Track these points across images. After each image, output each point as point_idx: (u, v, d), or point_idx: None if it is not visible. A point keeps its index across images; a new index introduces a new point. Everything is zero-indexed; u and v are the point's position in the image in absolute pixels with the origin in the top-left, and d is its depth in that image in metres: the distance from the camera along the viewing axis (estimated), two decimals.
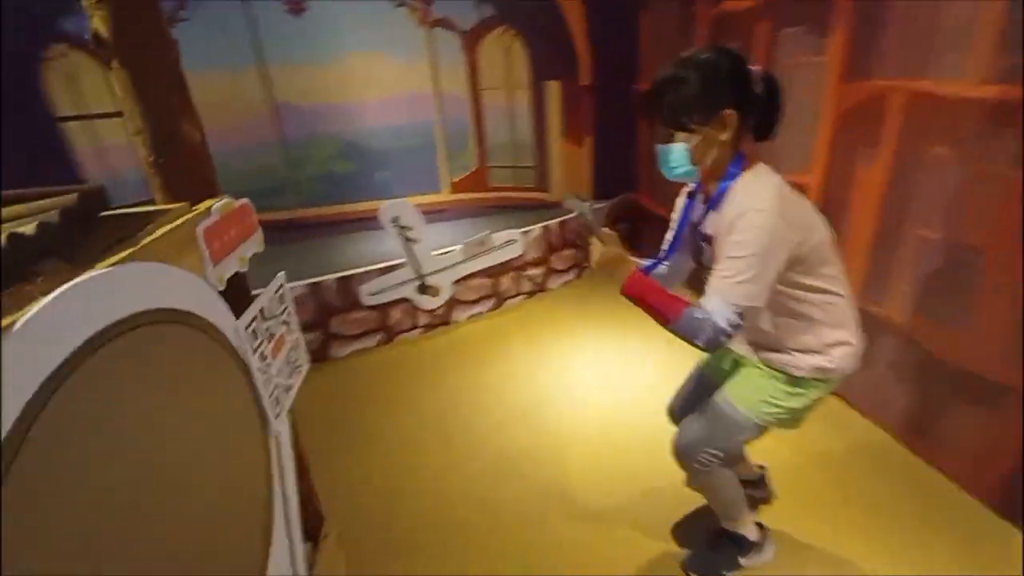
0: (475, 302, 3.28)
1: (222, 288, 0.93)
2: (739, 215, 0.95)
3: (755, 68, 1.00)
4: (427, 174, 3.62)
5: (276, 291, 1.15)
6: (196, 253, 0.86)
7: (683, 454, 1.28)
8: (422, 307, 3.07)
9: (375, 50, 3.27)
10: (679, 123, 1.00)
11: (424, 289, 3.03)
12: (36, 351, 0.51)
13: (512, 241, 3.21)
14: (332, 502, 1.60)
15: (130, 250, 0.70)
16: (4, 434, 0.45)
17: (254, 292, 1.10)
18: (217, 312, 0.88)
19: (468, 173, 3.76)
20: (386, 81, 3.36)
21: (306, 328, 2.78)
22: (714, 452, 1.22)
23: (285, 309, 1.22)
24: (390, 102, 3.42)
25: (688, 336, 0.94)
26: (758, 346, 1.23)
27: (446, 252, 3.04)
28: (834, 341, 1.14)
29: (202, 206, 0.94)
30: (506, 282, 3.34)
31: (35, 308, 0.50)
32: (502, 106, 3.59)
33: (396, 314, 3.01)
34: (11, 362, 0.47)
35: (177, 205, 0.90)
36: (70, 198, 0.77)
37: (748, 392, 1.22)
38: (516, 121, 3.64)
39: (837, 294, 1.13)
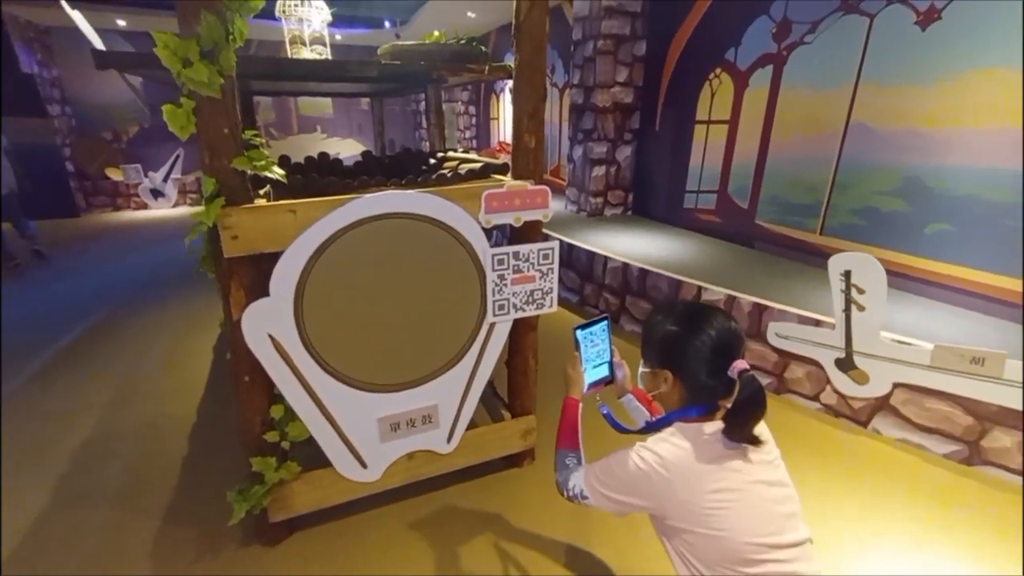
0: (927, 431, 2.27)
1: (487, 227, 1.64)
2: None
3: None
4: (1009, 244, 2.46)
5: (539, 250, 1.74)
6: (478, 202, 1.60)
7: None
8: (835, 385, 2.49)
9: (1002, 65, 2.36)
10: None
11: (846, 365, 2.43)
12: (351, 214, 1.45)
13: None
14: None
15: (438, 187, 1.55)
16: (319, 243, 1.43)
17: (544, 244, 1.74)
18: (473, 235, 1.62)
19: None
20: (1000, 107, 2.39)
21: None
22: None
23: (548, 265, 1.79)
24: (992, 136, 2.44)
25: (555, 466, 1.16)
26: None
27: (905, 342, 2.24)
28: None
29: (507, 181, 1.64)
30: (1003, 438, 2.06)
31: (367, 196, 1.43)
32: None
33: (798, 371, 2.62)
34: (343, 212, 1.42)
35: (503, 177, 1.65)
36: (485, 165, 1.72)
37: None
38: None
39: None
